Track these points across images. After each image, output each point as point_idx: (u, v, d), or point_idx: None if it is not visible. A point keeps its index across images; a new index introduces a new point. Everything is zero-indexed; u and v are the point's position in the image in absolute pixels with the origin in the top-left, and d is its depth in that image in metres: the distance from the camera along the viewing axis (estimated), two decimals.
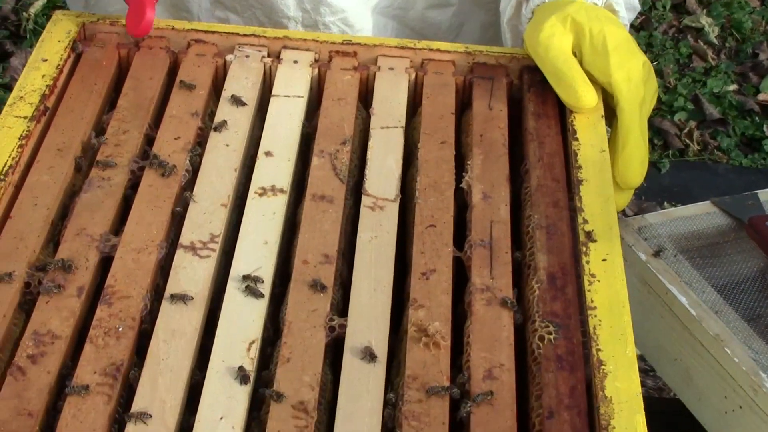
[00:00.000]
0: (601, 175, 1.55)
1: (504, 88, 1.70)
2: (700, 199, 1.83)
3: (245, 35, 1.73)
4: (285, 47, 1.73)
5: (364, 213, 1.50)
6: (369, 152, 1.59)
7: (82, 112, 1.59)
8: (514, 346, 1.34)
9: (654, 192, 4.06)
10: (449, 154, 1.59)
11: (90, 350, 1.29)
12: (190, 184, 1.51)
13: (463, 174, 1.56)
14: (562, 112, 1.66)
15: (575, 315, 1.37)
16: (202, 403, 1.26)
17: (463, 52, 1.74)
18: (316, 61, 1.72)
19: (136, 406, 1.24)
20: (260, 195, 1.51)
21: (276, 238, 1.45)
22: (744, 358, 1.52)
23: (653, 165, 4.17)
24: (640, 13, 4.67)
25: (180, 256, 1.41)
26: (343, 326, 1.35)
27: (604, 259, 1.42)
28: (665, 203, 4.01)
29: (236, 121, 1.60)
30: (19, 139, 1.51)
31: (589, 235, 1.45)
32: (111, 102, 1.65)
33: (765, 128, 4.34)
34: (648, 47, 4.68)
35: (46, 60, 1.64)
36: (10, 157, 1.49)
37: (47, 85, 1.60)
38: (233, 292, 1.38)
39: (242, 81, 1.67)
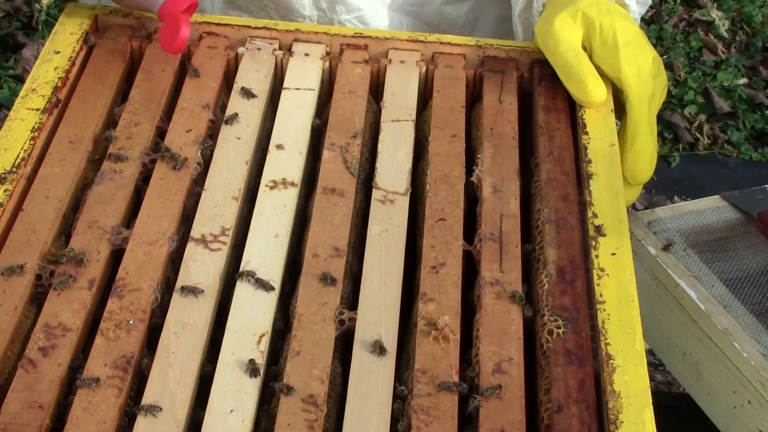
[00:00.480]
0: (610, 169, 1.55)
1: (514, 81, 1.70)
2: (710, 193, 1.83)
3: (257, 28, 1.73)
4: (296, 40, 1.73)
5: (375, 206, 1.50)
6: (380, 145, 1.59)
7: (94, 105, 1.59)
8: (524, 340, 1.35)
9: (664, 185, 4.06)
10: (459, 148, 1.59)
11: (101, 343, 1.30)
12: (201, 177, 1.52)
13: (474, 167, 1.56)
14: (572, 106, 1.66)
15: (584, 309, 1.37)
16: (212, 395, 1.26)
17: (474, 45, 1.74)
18: (328, 54, 1.72)
19: (147, 398, 1.25)
20: (271, 188, 1.51)
21: (287, 231, 1.46)
22: (753, 353, 1.53)
23: (663, 158, 4.16)
24: (650, 7, 4.66)
25: (191, 249, 1.42)
26: (353, 319, 1.35)
27: (614, 254, 1.43)
28: (675, 197, 4.00)
29: (247, 114, 1.61)
30: (32, 131, 1.52)
31: (598, 229, 1.46)
32: (123, 94, 1.65)
33: None
34: (658, 40, 4.67)
35: (59, 52, 1.65)
36: (22, 149, 1.49)
37: (60, 77, 1.60)
38: (243, 284, 1.38)
39: (254, 73, 1.67)
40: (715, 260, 1.68)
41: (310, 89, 1.66)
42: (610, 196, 1.51)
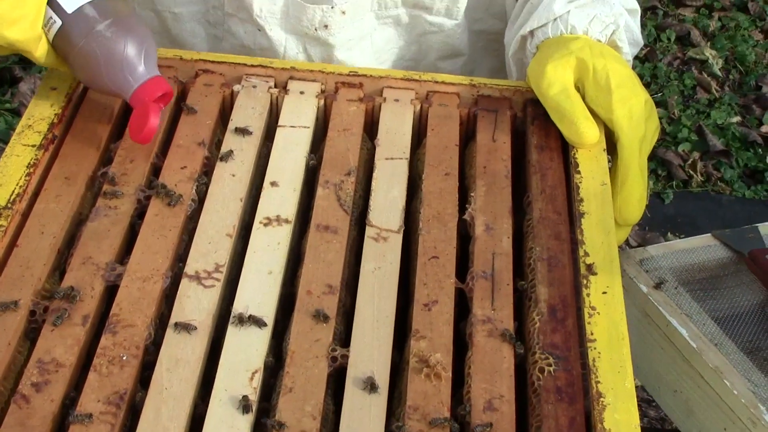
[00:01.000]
0: (602, 208, 1.56)
1: (508, 120, 1.71)
2: (704, 230, 1.84)
3: (252, 66, 1.75)
4: (292, 78, 1.74)
5: (368, 244, 1.51)
6: (373, 183, 1.60)
7: (89, 141, 1.60)
8: (515, 378, 1.35)
9: (658, 222, 4.07)
10: (453, 186, 1.60)
11: (94, 379, 1.30)
12: (196, 214, 1.53)
13: (467, 205, 1.57)
14: (564, 145, 1.67)
15: (575, 347, 1.38)
16: (205, 431, 1.26)
17: (468, 84, 1.75)
18: (323, 91, 1.73)
19: None
20: (265, 225, 1.52)
21: (280, 268, 1.46)
22: (743, 391, 1.53)
23: (657, 195, 4.18)
24: (645, 45, 4.70)
25: (185, 286, 1.42)
26: (346, 356, 1.36)
27: (605, 292, 1.43)
28: (669, 233, 4.01)
29: (242, 151, 1.62)
30: (27, 167, 1.53)
31: (590, 267, 1.46)
32: (119, 131, 1.66)
33: None
34: (653, 78, 4.69)
35: (55, 89, 1.66)
36: (17, 185, 1.50)
37: (56, 114, 1.61)
38: (236, 322, 1.39)
39: (249, 111, 1.69)
40: (706, 298, 1.69)
41: (305, 127, 1.68)
42: (601, 234, 1.52)
